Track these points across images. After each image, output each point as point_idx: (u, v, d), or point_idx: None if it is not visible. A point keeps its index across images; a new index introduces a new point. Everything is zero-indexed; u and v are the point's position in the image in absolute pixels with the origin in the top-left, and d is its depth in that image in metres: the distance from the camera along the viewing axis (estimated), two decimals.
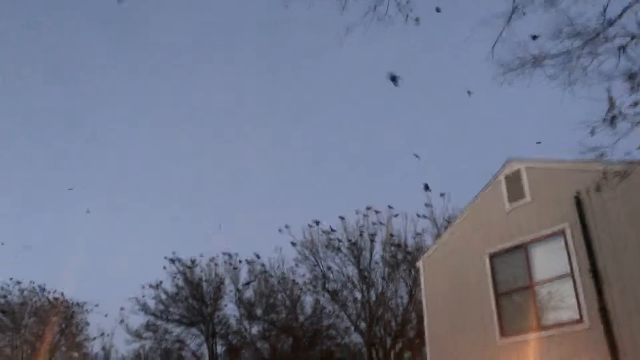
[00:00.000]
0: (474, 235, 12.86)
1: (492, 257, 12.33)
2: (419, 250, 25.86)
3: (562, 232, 11.26)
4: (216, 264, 32.95)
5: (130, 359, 32.17)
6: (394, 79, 10.29)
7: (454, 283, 12.95)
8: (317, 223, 26.97)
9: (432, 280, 13.58)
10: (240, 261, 32.56)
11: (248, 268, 32.47)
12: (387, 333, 25.75)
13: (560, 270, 11.12)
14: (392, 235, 25.57)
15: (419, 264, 14.09)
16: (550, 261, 11.36)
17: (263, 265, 31.46)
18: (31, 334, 40.40)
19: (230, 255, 32.14)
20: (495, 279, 12.15)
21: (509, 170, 12.57)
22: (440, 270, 13.41)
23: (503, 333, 11.59)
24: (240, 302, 32.61)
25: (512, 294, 11.88)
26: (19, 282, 38.50)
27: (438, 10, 8.85)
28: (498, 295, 11.99)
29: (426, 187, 24.83)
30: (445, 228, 25.44)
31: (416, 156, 23.42)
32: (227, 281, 32.59)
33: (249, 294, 32.57)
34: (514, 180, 12.40)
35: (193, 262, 32.83)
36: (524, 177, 12.27)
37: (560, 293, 11.03)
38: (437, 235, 25.43)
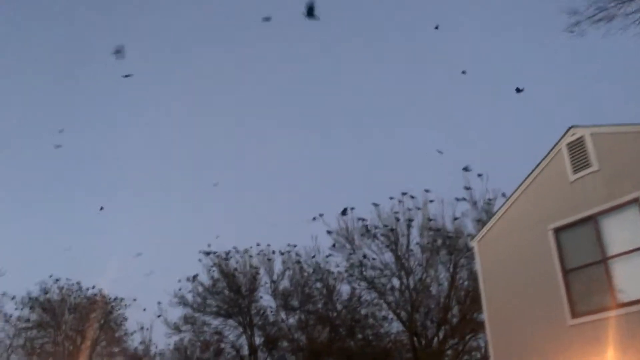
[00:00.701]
0: (533, 210, 11.78)
1: (557, 231, 11.24)
2: (458, 234, 24.81)
3: (636, 201, 10.15)
4: (250, 256, 32.40)
5: (170, 351, 31.76)
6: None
7: (513, 262, 11.90)
8: (352, 209, 26.05)
9: (488, 261, 12.55)
10: (273, 252, 31.95)
11: (282, 259, 31.85)
12: (430, 319, 24.71)
13: (636, 241, 10.01)
14: (430, 219, 24.48)
15: (473, 244, 13.08)
16: (624, 233, 10.27)
17: (297, 254, 30.77)
18: (71, 330, 40.50)
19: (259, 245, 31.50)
20: (561, 255, 11.07)
21: (572, 137, 11.46)
22: (497, 249, 12.37)
23: (574, 312, 10.52)
24: (275, 293, 32.03)
25: (582, 270, 10.78)
26: (57, 280, 38.49)
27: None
28: (566, 273, 10.91)
29: (465, 169, 23.68)
30: (486, 212, 24.37)
31: (439, 152, 22.47)
32: (261, 272, 32.02)
33: (284, 284, 31.96)
34: (577, 148, 11.29)
35: (227, 254, 32.32)
36: (589, 144, 11.15)
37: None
38: (478, 220, 24.33)
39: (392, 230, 24.89)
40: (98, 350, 41.10)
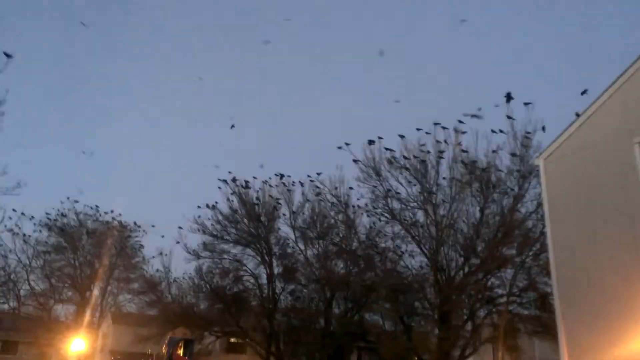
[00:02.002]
0: (616, 122, 10.21)
1: None
2: (492, 168, 23.29)
3: None
4: (270, 186, 31.25)
5: (187, 280, 31.18)
6: None
7: (588, 182, 10.43)
8: (380, 139, 24.49)
9: (556, 182, 11.08)
10: (294, 183, 30.75)
11: (302, 190, 30.68)
12: (458, 253, 23.62)
13: None
14: (464, 151, 22.92)
15: (538, 162, 11.58)
16: None
17: (318, 187, 29.55)
18: (89, 254, 40.19)
19: (282, 176, 30.27)
20: None
21: None
22: (568, 168, 10.88)
23: None
24: (294, 224, 31.08)
25: None
26: (76, 201, 37.67)
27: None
28: None
29: (508, 97, 21.80)
30: (523, 145, 22.73)
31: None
32: (281, 203, 30.95)
33: (303, 216, 30.95)
34: None
35: (247, 183, 31.17)
36: None
37: None
38: (513, 154, 22.74)
39: (422, 161, 23.40)
40: (115, 275, 40.95)
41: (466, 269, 23.95)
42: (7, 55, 17.84)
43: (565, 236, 10.62)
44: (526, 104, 21.82)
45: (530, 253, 23.11)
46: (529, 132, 22.30)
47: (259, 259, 31.20)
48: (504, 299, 24.24)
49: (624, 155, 9.85)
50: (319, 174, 27.10)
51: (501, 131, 22.59)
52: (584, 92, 18.54)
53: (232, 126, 32.13)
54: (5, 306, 35.84)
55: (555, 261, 10.72)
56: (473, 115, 20.70)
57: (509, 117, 21.80)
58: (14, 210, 34.19)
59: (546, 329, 23.99)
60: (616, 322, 9.27)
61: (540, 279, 23.32)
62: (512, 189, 23.15)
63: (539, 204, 22.45)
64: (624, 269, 9.45)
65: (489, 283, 24.39)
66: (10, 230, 35.05)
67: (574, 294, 10.16)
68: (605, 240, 9.90)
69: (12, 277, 35.28)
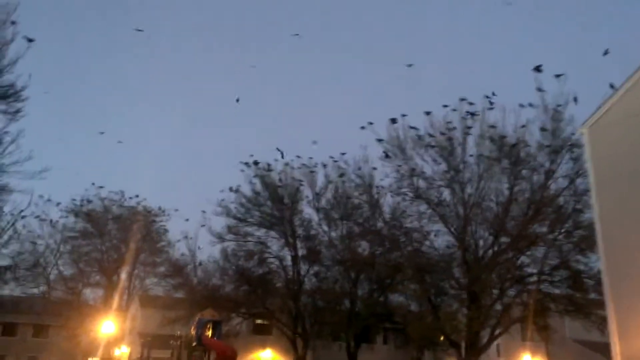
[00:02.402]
0: None
1: None
2: (522, 143, 22.47)
3: None
4: (292, 168, 30.80)
5: (211, 263, 31.06)
6: None
7: (636, 152, 9.73)
8: (404, 117, 23.80)
9: (602, 152, 10.41)
10: (316, 164, 30.24)
11: (324, 172, 30.19)
12: (488, 232, 22.97)
13: None
14: (492, 126, 22.13)
15: (583, 131, 10.89)
16: None
17: (340, 168, 29.03)
18: (115, 239, 40.44)
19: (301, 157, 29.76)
20: None
21: None
22: (614, 137, 10.18)
23: None
24: (318, 206, 30.68)
25: None
26: (100, 187, 37.80)
27: None
28: None
29: (537, 69, 20.92)
30: (553, 119, 21.85)
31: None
32: (304, 185, 30.54)
33: (327, 197, 30.51)
34: None
35: (269, 165, 30.78)
36: None
37: None
38: (543, 128, 21.88)
39: (449, 139, 22.69)
40: (141, 258, 41.19)
41: (495, 248, 23.33)
42: (29, 40, 17.63)
43: (612, 208, 9.98)
44: (557, 75, 20.93)
45: (562, 230, 22.40)
46: (559, 105, 21.45)
47: (283, 241, 30.94)
48: (534, 278, 23.64)
49: None
50: (343, 154, 26.53)
51: (530, 105, 21.77)
52: (605, 53, 17.93)
53: (237, 100, 31.70)
54: (36, 290, 36.29)
55: (603, 235, 10.11)
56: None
57: (539, 90, 20.94)
58: (40, 196, 34.39)
59: (578, 307, 23.39)
60: None
61: (573, 257, 22.66)
62: (543, 165, 22.36)
63: (572, 180, 21.74)
64: None
65: (519, 262, 23.76)
66: (38, 216, 35.31)
67: (623, 271, 9.56)
68: None
69: (41, 261, 35.65)
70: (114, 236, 40.65)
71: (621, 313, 9.41)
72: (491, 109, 22.83)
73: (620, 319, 9.40)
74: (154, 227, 41.34)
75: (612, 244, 9.91)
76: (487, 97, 22.84)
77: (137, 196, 39.49)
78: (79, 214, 38.87)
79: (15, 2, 16.50)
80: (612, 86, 19.99)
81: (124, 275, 40.26)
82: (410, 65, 26.78)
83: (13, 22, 17.23)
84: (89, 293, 40.29)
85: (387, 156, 24.05)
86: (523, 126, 22.17)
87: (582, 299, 23.57)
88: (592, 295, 23.22)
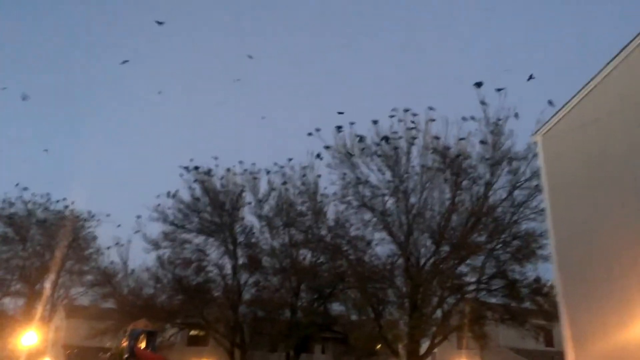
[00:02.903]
0: (621, 99, 9.66)
1: None
2: (463, 155, 22.90)
3: None
4: (234, 174, 29.94)
5: (147, 267, 29.45)
6: None
7: (592, 161, 9.88)
8: (351, 124, 23.68)
9: (554, 159, 10.52)
10: (259, 170, 29.56)
11: (268, 178, 29.56)
12: (432, 239, 23.11)
13: None
14: (436, 137, 22.41)
15: (536, 139, 10.98)
16: None
17: (284, 175, 28.52)
18: (39, 245, 37.74)
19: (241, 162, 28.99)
20: None
21: None
22: (569, 144, 10.31)
23: None
24: (260, 213, 29.92)
25: None
26: (25, 188, 35.09)
27: None
28: None
29: (478, 85, 21.43)
30: (493, 132, 22.40)
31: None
32: (246, 191, 29.74)
33: (270, 204, 29.84)
34: None
35: (209, 171, 29.74)
36: None
37: None
38: (483, 141, 22.41)
39: (395, 148, 22.75)
40: (67, 266, 38.58)
41: (436, 257, 23.54)
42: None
43: (566, 215, 10.07)
44: (498, 89, 21.49)
45: (500, 240, 22.95)
46: (500, 119, 22.04)
47: (223, 248, 29.89)
48: (473, 287, 24.06)
49: (631, 129, 9.33)
50: (290, 159, 25.99)
51: (472, 118, 22.24)
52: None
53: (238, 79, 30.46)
54: None
55: (556, 242, 10.17)
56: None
57: (482, 103, 21.42)
58: None
59: (513, 316, 24.01)
60: (622, 303, 8.77)
61: (509, 266, 23.25)
62: (483, 177, 22.86)
63: (510, 192, 22.33)
64: (631, 249, 8.95)
65: (459, 271, 24.09)
66: None
67: (576, 276, 9.62)
68: (611, 220, 9.37)
69: None
70: (37, 242, 37.92)
71: (575, 320, 9.46)
72: (433, 120, 23.17)
73: (574, 326, 9.44)
74: (82, 233, 38.90)
75: (565, 251, 9.98)
76: (430, 108, 23.19)
77: (64, 199, 37.01)
78: (0, 217, 35.95)
79: None
80: (550, 103, 21.06)
81: (48, 284, 37.53)
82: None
83: None
84: (8, 302, 37.20)
85: (333, 163, 23.80)
86: (462, 139, 22.59)
87: (517, 308, 24.26)
88: (527, 304, 23.96)
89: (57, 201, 36.73)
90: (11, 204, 36.15)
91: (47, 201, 36.91)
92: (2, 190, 37.81)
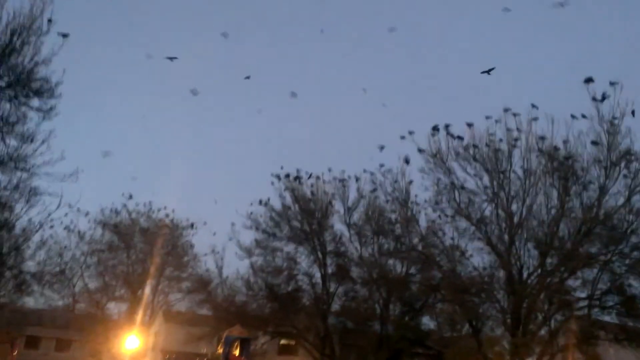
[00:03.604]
0: None
1: None
2: (570, 157, 20.81)
3: None
4: (324, 181, 29.51)
5: (240, 274, 29.73)
6: None
7: None
8: (447, 127, 22.38)
9: None
10: (348, 177, 28.86)
11: (357, 186, 28.79)
12: (534, 251, 21.19)
13: None
14: (542, 137, 20.56)
15: None
16: None
17: (374, 182, 27.59)
18: (141, 252, 39.53)
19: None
20: None
21: None
22: None
23: None
24: (349, 221, 29.20)
25: None
26: (131, 197, 36.85)
27: None
28: None
29: (588, 80, 19.44)
30: (608, 131, 20.13)
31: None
32: (336, 199, 29.19)
33: (359, 212, 29.05)
34: None
35: (299, 179, 29.55)
36: None
37: None
38: (595, 142, 20.17)
39: (495, 150, 21.18)
40: (166, 273, 40.11)
41: (542, 269, 21.51)
42: (64, 35, 16.81)
43: None
44: (612, 83, 19.34)
45: (616, 251, 20.53)
46: (615, 117, 19.80)
47: (312, 257, 29.51)
48: (584, 303, 21.71)
49: None
50: (382, 165, 25.05)
51: (583, 116, 20.15)
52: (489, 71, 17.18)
53: (260, 111, 30.32)
54: (60, 303, 35.35)
55: None
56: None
57: (594, 99, 19.32)
58: (70, 206, 33.70)
59: (630, 336, 21.34)
60: None
61: (627, 280, 20.76)
62: (594, 181, 20.62)
63: (628, 197, 19.94)
64: None
65: (567, 285, 21.86)
66: (67, 227, 34.59)
67: None
68: None
69: (67, 273, 34.78)
70: (140, 249, 39.73)
71: None
72: (535, 119, 21.31)
73: None
74: (180, 240, 40.34)
75: None
76: (533, 106, 21.33)
77: (165, 208, 38.52)
78: (107, 226, 38.09)
79: None
80: (633, 113, 18.61)
81: (148, 290, 39.17)
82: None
83: (50, 20, 16.43)
84: (113, 307, 39.22)
85: (427, 168, 22.61)
86: (565, 141, 20.46)
87: (635, 327, 21.54)
88: None
89: (159, 210, 38.30)
90: (117, 213, 38.19)
91: (149, 210, 38.61)
92: (109, 199, 40.01)
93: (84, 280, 36.69)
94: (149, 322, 38.31)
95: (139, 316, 35.68)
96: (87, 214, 36.20)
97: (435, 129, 22.20)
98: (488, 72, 18.91)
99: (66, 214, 31.92)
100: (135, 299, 37.35)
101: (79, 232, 35.97)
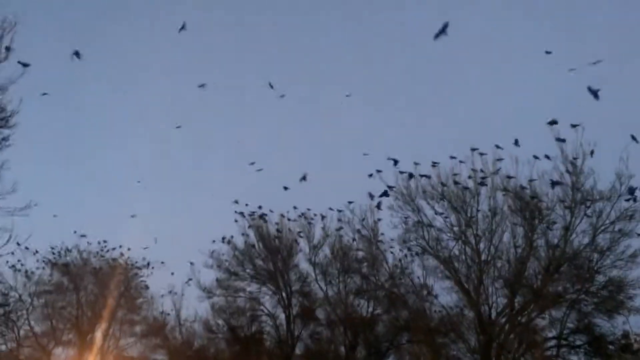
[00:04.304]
0: None
1: None
2: (535, 197, 21.04)
3: None
4: (289, 219, 28.80)
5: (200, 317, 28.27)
6: None
7: None
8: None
9: None
10: (315, 215, 28.27)
11: (322, 224, 28.22)
12: (506, 288, 20.99)
13: None
14: (510, 177, 20.76)
15: None
16: None
17: (340, 220, 27.12)
18: (91, 294, 37.24)
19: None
20: None
21: None
22: None
23: None
24: (314, 261, 28.44)
25: None
26: (83, 236, 34.85)
27: None
28: None
29: (552, 123, 19.92)
30: (569, 172, 20.50)
31: None
32: (302, 236, 28.47)
33: (324, 252, 28.39)
34: None
35: (264, 216, 28.75)
36: None
37: None
38: (555, 182, 20.49)
39: (465, 188, 21.22)
40: (119, 316, 37.78)
41: (511, 308, 21.34)
42: (24, 65, 15.95)
43: None
44: (574, 125, 19.85)
45: (583, 290, 20.65)
46: (576, 158, 20.25)
47: (276, 297, 28.43)
48: (553, 342, 21.62)
49: None
50: (350, 202, 24.62)
51: (547, 157, 20.52)
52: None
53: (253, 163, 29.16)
54: (3, 347, 32.51)
55: None
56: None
57: (558, 140, 19.75)
58: (18, 244, 31.51)
59: None
60: None
61: (595, 318, 20.85)
62: (556, 222, 20.86)
63: (593, 236, 20.21)
64: None
65: (536, 324, 21.77)
66: (13, 266, 32.23)
67: None
68: None
69: (11, 316, 32.19)
70: (90, 291, 37.41)
71: None
72: (500, 160, 21.58)
73: None
74: (134, 281, 38.24)
75: None
76: (497, 146, 21.60)
77: (120, 247, 36.55)
78: (57, 266, 35.76)
79: (11, 22, 14.83)
80: (634, 138, 19.26)
81: (98, 334, 36.67)
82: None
83: (8, 48, 15.56)
84: (60, 352, 36.38)
85: (395, 205, 22.38)
86: (530, 180, 20.75)
87: None
88: None
89: (114, 248, 36.29)
90: (68, 251, 35.98)
91: (102, 250, 36.57)
92: (61, 237, 37.62)
93: (29, 324, 34.01)
94: None
95: None
96: (35, 252, 33.88)
97: (411, 176, 22.04)
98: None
99: (13, 252, 29.79)
100: (84, 344, 34.85)
101: (26, 271, 33.54)
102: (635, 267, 19.39)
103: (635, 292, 19.50)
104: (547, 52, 19.98)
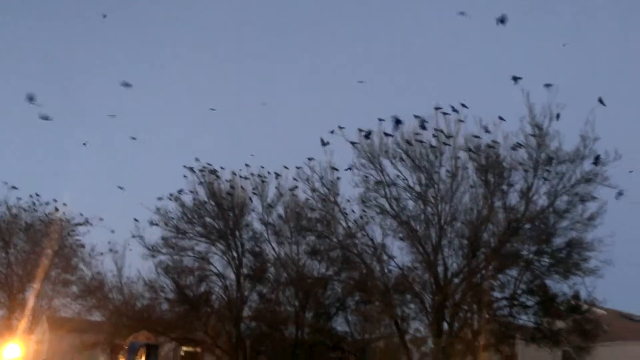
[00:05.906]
0: None
1: None
2: (498, 157, 20.81)
3: None
4: (242, 177, 27.42)
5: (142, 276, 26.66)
6: None
7: None
8: (380, 120, 21.48)
9: None
10: (268, 173, 27.04)
11: (277, 182, 27.08)
12: (464, 249, 20.86)
13: None
14: (475, 136, 20.36)
15: None
16: None
17: (299, 178, 26.01)
18: (23, 251, 34.62)
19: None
20: None
21: None
22: None
23: None
24: (267, 220, 27.37)
25: None
26: (13, 188, 32.00)
27: None
28: None
29: (515, 79, 19.58)
30: (533, 135, 20.29)
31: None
32: (256, 194, 27.23)
33: (278, 211, 27.36)
34: None
35: (216, 172, 27.24)
36: None
37: None
38: (518, 145, 20.31)
39: (432, 146, 20.65)
40: (52, 275, 35.37)
41: (468, 268, 21.29)
42: None
43: None
44: (547, 85, 19.54)
45: (540, 250, 20.83)
46: (538, 125, 20.02)
47: (227, 257, 27.22)
48: (506, 302, 21.85)
49: None
50: (310, 159, 23.47)
51: (500, 118, 20.23)
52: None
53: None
54: None
55: None
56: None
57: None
58: None
59: (545, 335, 21.74)
60: None
61: (549, 279, 21.16)
62: (518, 182, 20.78)
63: (554, 198, 20.26)
64: None
65: (491, 284, 21.85)
66: None
67: None
68: None
69: None
70: (21, 248, 34.76)
71: None
72: (462, 121, 21.15)
73: None
74: (70, 239, 35.77)
75: None
76: (463, 105, 21.11)
77: (55, 201, 33.85)
78: None
79: None
80: (600, 101, 19.25)
81: (30, 294, 34.24)
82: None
83: None
84: None
85: (357, 164, 21.55)
86: (494, 141, 20.49)
87: (550, 328, 21.93)
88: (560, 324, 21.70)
89: (47, 203, 33.56)
90: None
91: (34, 204, 33.78)
92: None
93: None
94: (30, 329, 33.49)
95: (20, 323, 30.97)
96: None
97: (367, 135, 21.20)
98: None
99: None
100: (15, 304, 32.46)
101: None
102: (592, 229, 19.61)
103: (590, 254, 19.77)
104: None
